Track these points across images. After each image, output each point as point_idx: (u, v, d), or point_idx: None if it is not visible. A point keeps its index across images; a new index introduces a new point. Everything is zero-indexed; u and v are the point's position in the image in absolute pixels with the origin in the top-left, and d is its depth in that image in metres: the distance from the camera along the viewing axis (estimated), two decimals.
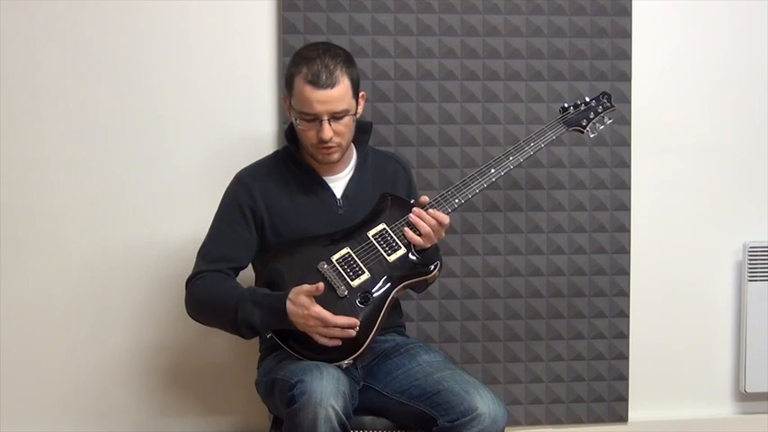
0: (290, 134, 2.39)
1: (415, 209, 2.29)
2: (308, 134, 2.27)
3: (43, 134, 2.75)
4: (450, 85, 2.85)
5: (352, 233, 2.30)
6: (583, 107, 2.50)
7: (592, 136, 2.53)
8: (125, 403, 2.84)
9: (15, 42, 2.71)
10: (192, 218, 2.75)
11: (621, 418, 2.99)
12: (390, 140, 2.83)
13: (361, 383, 2.32)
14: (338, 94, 2.23)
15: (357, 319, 2.18)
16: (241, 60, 2.79)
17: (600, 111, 2.51)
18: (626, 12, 2.91)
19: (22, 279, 2.77)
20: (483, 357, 2.92)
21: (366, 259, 2.26)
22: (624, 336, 2.97)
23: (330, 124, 2.24)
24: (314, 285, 2.13)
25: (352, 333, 2.16)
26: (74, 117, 2.75)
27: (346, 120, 2.27)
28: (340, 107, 2.24)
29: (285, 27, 2.77)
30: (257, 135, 2.78)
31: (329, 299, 2.19)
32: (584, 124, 2.49)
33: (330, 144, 2.27)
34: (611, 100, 2.53)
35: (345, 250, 2.26)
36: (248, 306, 2.19)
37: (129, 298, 2.81)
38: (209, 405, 2.87)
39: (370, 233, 2.28)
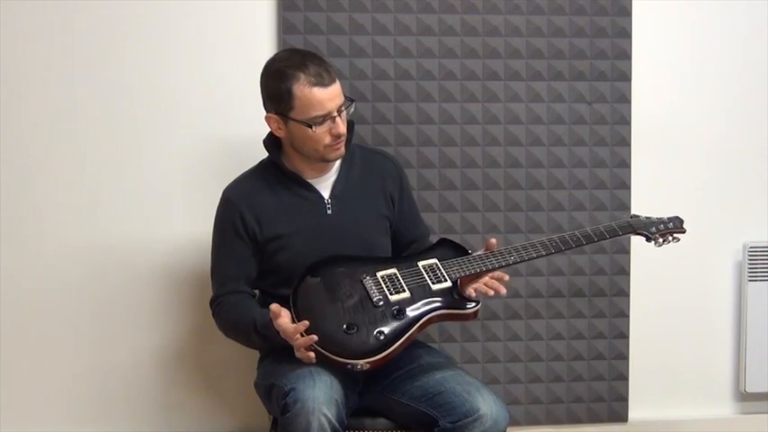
0: (269, 143, 2.41)
1: (490, 278, 2.31)
2: (320, 137, 2.28)
3: (40, 134, 2.75)
4: (450, 85, 2.85)
5: (403, 259, 2.34)
6: (655, 218, 2.51)
7: (657, 247, 2.51)
8: (124, 403, 2.84)
9: (12, 42, 2.71)
10: (191, 218, 2.76)
11: (621, 417, 2.99)
12: (390, 140, 2.83)
13: (362, 384, 2.32)
14: (339, 87, 2.29)
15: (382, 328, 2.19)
16: (241, 60, 2.79)
17: (671, 227, 2.50)
18: (626, 12, 2.91)
19: (20, 280, 2.77)
20: (483, 357, 2.92)
21: (410, 282, 2.28)
22: (624, 336, 2.97)
23: (340, 117, 2.28)
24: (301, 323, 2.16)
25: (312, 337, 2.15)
26: (72, 117, 2.75)
27: (346, 111, 2.32)
28: (343, 99, 2.30)
29: (285, 27, 2.77)
30: (256, 136, 2.76)
31: (364, 307, 2.22)
32: (653, 231, 2.48)
33: (342, 138, 2.31)
34: (683, 224, 2.52)
35: (392, 270, 2.29)
36: (254, 336, 2.28)
37: (128, 299, 2.80)
38: (209, 405, 2.87)
39: (421, 263, 2.31)
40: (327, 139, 2.29)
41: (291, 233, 2.34)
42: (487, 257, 2.32)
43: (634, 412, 3.01)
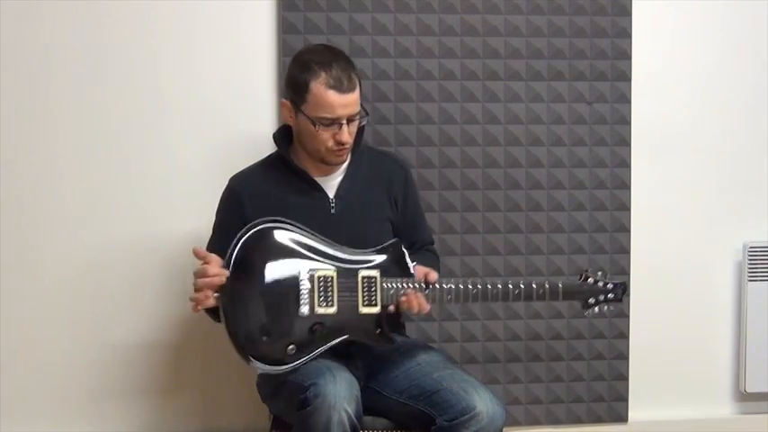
0: (279, 137, 2.41)
1: (409, 292, 2.26)
2: (323, 138, 2.28)
3: (44, 133, 2.75)
4: (450, 85, 2.85)
5: (347, 260, 2.28)
6: (600, 285, 2.40)
7: (586, 314, 2.44)
8: (125, 403, 2.84)
9: (18, 40, 2.71)
10: (192, 216, 2.76)
11: (621, 418, 2.99)
12: (390, 140, 2.83)
13: (362, 384, 2.32)
14: (356, 97, 2.29)
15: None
16: (241, 60, 2.79)
17: (610, 298, 2.41)
18: (626, 12, 2.91)
19: (22, 278, 2.77)
20: (483, 357, 2.92)
21: (342, 295, 2.24)
22: (624, 336, 2.97)
23: (348, 126, 2.28)
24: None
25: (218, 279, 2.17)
26: (74, 116, 2.75)
27: (357, 121, 2.32)
28: (357, 109, 2.30)
29: (285, 27, 2.77)
30: (257, 134, 2.78)
31: (288, 310, 2.21)
32: (590, 303, 2.40)
33: (346, 146, 2.30)
34: (624, 293, 2.43)
35: (331, 272, 2.25)
36: None
37: (130, 297, 2.81)
38: (210, 405, 2.87)
39: (362, 273, 2.27)
40: (330, 143, 2.29)
41: None
42: (427, 289, 2.28)
43: (634, 412, 3.01)
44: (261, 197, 2.36)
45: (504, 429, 2.20)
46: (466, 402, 2.14)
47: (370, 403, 2.30)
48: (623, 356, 2.97)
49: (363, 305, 2.25)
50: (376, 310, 2.26)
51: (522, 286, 2.32)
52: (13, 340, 2.78)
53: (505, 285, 2.31)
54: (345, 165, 2.41)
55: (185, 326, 2.82)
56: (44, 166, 2.76)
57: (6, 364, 2.78)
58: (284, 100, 2.36)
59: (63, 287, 2.79)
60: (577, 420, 2.98)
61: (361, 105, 2.32)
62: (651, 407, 3.04)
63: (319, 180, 2.38)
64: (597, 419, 2.98)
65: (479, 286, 2.30)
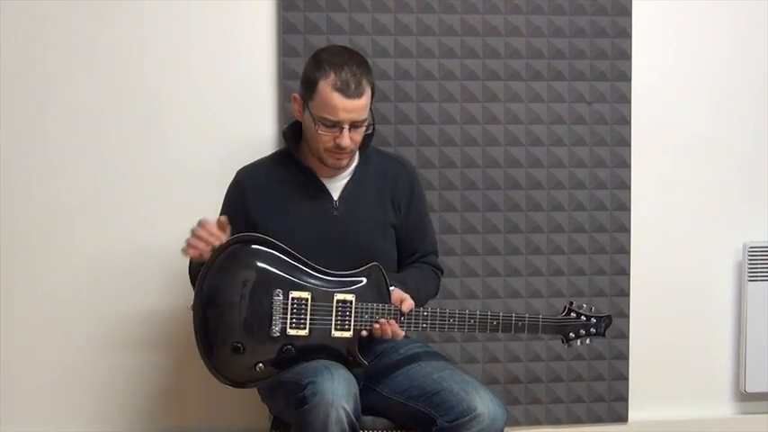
0: (288, 134, 2.41)
1: (382, 321, 2.24)
2: (323, 138, 2.28)
3: (46, 136, 2.75)
4: (450, 85, 2.85)
5: (324, 283, 2.25)
6: (583, 319, 2.35)
7: (566, 348, 2.41)
8: (125, 403, 2.84)
9: (18, 43, 2.71)
10: (193, 218, 2.74)
11: (621, 418, 2.99)
12: (390, 140, 2.83)
13: (362, 384, 2.32)
14: (363, 104, 2.27)
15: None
16: (241, 60, 2.79)
17: (592, 332, 2.36)
18: (626, 12, 2.91)
19: (22, 279, 2.77)
20: (483, 357, 2.92)
21: (315, 318, 2.23)
22: (624, 336, 2.97)
23: (349, 132, 2.26)
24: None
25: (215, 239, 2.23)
26: (75, 118, 2.75)
27: (363, 128, 2.30)
28: (362, 116, 2.28)
29: (285, 27, 2.77)
30: (257, 135, 2.78)
31: (260, 329, 2.21)
32: (571, 337, 2.35)
33: (345, 151, 2.29)
34: (608, 328, 2.38)
35: (306, 294, 2.23)
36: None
37: (130, 298, 2.81)
38: (210, 405, 2.87)
39: (337, 296, 2.24)
40: (329, 145, 2.29)
41: (292, 228, 2.32)
42: (402, 316, 2.26)
43: (634, 412, 3.01)
44: (265, 193, 2.36)
45: (505, 429, 2.19)
46: (467, 404, 2.14)
47: (370, 403, 2.31)
48: (623, 356, 2.97)
49: (336, 329, 2.24)
50: (348, 334, 2.24)
51: (500, 318, 2.30)
52: (14, 340, 2.78)
53: (484, 316, 2.29)
54: (353, 167, 2.41)
55: (186, 326, 2.80)
56: (43, 167, 2.76)
57: (6, 364, 2.79)
58: (295, 95, 2.36)
59: (63, 287, 2.79)
60: (577, 420, 2.98)
61: (371, 113, 2.31)
62: (651, 407, 3.04)
63: (325, 180, 2.38)
64: (597, 419, 2.98)
65: (457, 315, 2.28)
